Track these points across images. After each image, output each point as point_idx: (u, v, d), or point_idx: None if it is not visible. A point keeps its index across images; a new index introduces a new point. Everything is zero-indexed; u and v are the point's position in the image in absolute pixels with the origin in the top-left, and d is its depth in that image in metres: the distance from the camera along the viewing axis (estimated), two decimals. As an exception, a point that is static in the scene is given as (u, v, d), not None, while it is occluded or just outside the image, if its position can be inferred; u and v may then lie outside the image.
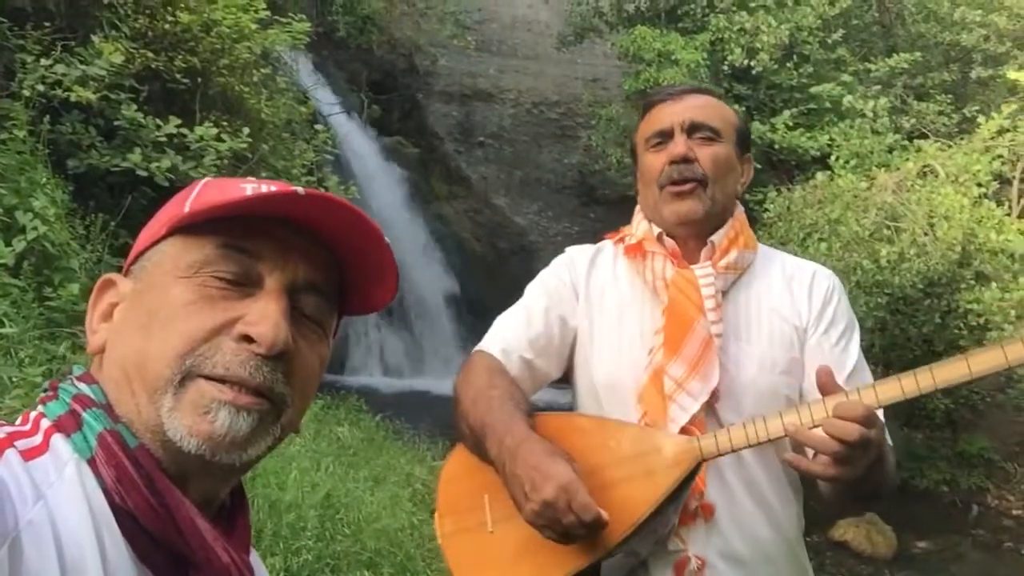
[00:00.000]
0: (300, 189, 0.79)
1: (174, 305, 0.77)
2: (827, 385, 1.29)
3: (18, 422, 0.76)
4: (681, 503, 1.45)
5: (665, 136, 1.64)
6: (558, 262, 1.78)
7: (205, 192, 0.83)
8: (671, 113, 1.65)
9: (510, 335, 1.68)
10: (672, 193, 1.61)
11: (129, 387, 0.76)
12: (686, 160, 1.60)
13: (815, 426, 1.31)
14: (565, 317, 1.69)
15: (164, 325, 0.76)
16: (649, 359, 1.57)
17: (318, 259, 0.83)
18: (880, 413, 1.39)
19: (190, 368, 0.75)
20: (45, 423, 0.75)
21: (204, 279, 0.78)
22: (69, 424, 0.75)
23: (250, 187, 0.81)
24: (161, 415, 0.74)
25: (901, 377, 1.29)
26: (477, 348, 1.69)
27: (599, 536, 1.34)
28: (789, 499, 1.60)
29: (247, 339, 0.76)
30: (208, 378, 0.75)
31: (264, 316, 0.77)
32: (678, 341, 1.54)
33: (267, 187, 0.82)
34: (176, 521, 0.73)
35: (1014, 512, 8.68)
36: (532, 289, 1.76)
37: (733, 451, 1.40)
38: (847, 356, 1.61)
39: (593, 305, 1.69)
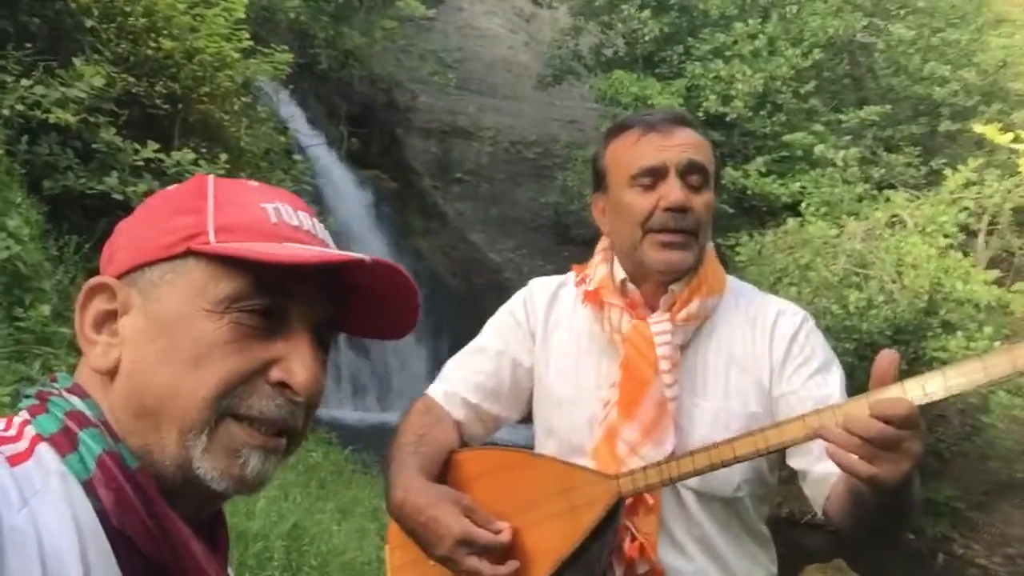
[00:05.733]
0: (367, 257, 0.77)
1: (208, 343, 0.74)
2: (884, 374, 1.17)
3: (0, 427, 0.74)
4: (610, 544, 1.41)
5: (656, 175, 1.49)
6: (517, 298, 1.70)
7: (226, 211, 0.79)
8: (663, 149, 1.50)
9: (457, 377, 1.65)
10: (662, 242, 1.48)
11: (153, 420, 0.74)
12: (682, 209, 1.47)
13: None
14: (519, 359, 1.64)
15: (198, 363, 0.74)
16: (604, 414, 1.51)
17: (336, 290, 0.81)
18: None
19: (225, 409, 0.74)
20: (30, 430, 0.73)
21: (237, 316, 0.75)
22: (63, 443, 0.72)
23: (271, 209, 0.80)
24: (192, 455, 0.74)
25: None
26: (425, 392, 1.67)
27: (522, 573, 1.36)
28: (750, 552, 1.54)
29: (283, 384, 0.76)
30: (239, 418, 0.75)
31: (303, 366, 0.76)
32: (632, 403, 1.48)
33: (286, 209, 0.81)
34: (173, 545, 0.73)
35: (979, 561, 8.74)
36: (488, 329, 1.70)
37: (649, 489, 1.39)
38: (829, 389, 1.48)
39: (550, 347, 1.63)
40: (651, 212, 1.48)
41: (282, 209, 0.81)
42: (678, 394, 1.49)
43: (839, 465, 1.19)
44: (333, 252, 0.78)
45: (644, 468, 1.38)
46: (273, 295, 0.76)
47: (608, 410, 1.51)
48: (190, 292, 0.75)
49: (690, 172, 1.49)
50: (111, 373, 0.76)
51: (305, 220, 0.82)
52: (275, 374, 0.76)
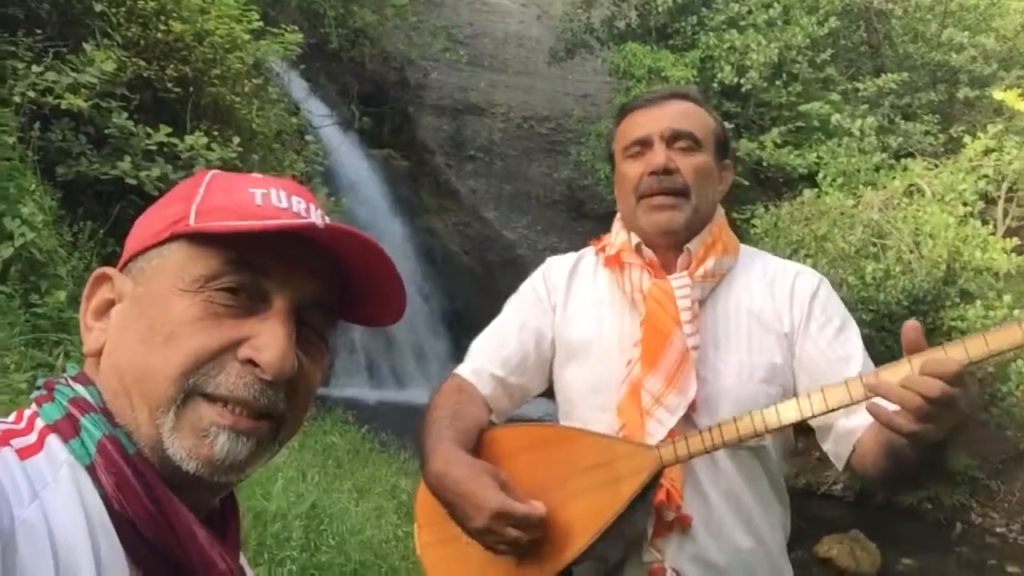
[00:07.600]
0: (319, 221, 0.78)
1: (178, 321, 0.75)
2: (915, 342, 1.22)
3: (11, 420, 0.75)
4: (648, 508, 1.45)
5: (644, 145, 1.61)
6: (537, 274, 1.77)
7: (212, 196, 0.80)
8: (650, 120, 1.62)
9: (483, 355, 1.70)
10: (651, 205, 1.58)
11: (128, 399, 0.75)
12: (667, 171, 1.57)
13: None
14: (541, 331, 1.69)
15: (167, 341, 0.74)
16: (627, 371, 1.55)
17: (324, 271, 0.81)
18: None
19: (192, 387, 0.74)
20: (40, 423, 0.74)
21: (210, 294, 0.75)
22: (66, 429, 0.73)
23: (259, 193, 0.80)
24: (162, 433, 0.74)
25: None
26: (453, 372, 1.71)
27: (563, 543, 1.38)
28: (771, 507, 1.58)
29: (253, 363, 0.75)
30: (209, 398, 0.74)
31: (272, 343, 0.75)
32: (655, 354, 1.52)
33: (276, 193, 0.81)
34: (175, 529, 0.73)
35: (997, 529, 8.72)
36: (509, 305, 1.76)
37: (691, 457, 1.41)
38: (850, 348, 1.55)
39: (572, 316, 1.68)
40: (640, 178, 1.59)
41: (272, 193, 0.81)
42: (699, 344, 1.54)
43: (888, 424, 1.22)
44: (284, 221, 0.78)
45: (685, 436, 1.41)
46: (247, 273, 0.77)
47: (631, 367, 1.55)
48: (170, 274, 0.77)
49: (676, 139, 1.60)
50: (97, 355, 0.78)
51: (297, 204, 0.82)
52: (243, 352, 0.75)
